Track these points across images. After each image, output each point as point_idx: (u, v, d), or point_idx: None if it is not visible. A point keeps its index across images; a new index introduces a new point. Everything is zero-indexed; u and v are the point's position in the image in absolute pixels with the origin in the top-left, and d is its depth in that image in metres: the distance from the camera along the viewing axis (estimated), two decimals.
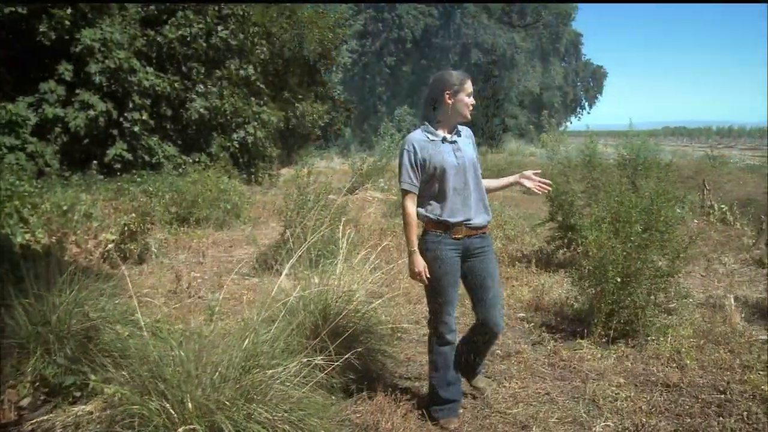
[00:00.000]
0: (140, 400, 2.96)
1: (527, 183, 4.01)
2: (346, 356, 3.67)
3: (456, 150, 3.72)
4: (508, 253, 8.37)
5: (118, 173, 13.11)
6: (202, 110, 15.22)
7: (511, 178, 4.14)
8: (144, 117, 13.56)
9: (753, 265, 8.06)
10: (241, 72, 16.51)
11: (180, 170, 14.42)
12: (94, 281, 4.76)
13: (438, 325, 3.78)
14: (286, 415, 2.97)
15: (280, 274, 4.52)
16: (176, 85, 14.67)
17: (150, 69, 14.09)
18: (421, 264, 3.65)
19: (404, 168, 3.69)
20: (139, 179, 12.17)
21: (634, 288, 5.09)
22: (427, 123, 3.78)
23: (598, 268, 5.17)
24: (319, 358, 3.36)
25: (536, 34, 35.96)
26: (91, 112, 12.96)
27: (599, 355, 4.86)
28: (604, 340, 5.17)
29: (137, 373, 3.15)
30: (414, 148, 3.68)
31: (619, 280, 5.08)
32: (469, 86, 3.71)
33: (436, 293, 3.74)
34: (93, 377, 3.55)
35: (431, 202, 3.72)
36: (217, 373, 3.03)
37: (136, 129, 13.48)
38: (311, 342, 3.81)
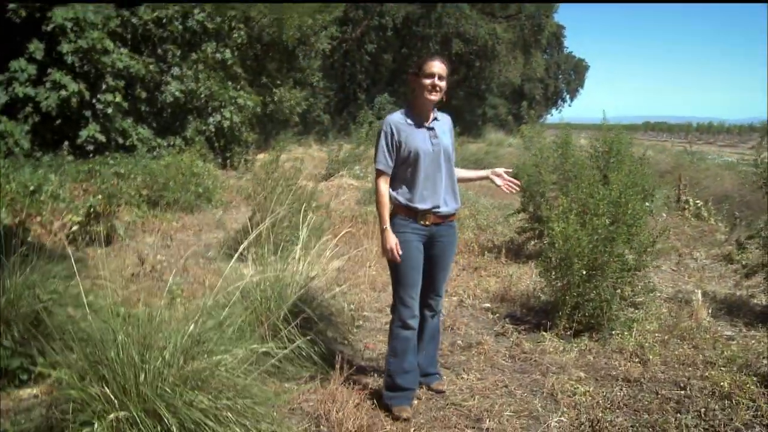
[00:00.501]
0: (80, 385, 2.87)
1: (497, 180, 4.04)
2: (296, 343, 3.59)
3: (432, 137, 3.74)
4: (479, 243, 8.32)
5: (91, 155, 12.87)
6: (177, 93, 15.00)
7: (482, 173, 4.24)
8: (117, 99, 13.29)
9: (724, 260, 8.07)
10: (218, 55, 16.27)
11: (154, 153, 14.23)
12: (54, 263, 4.64)
13: (400, 308, 3.75)
14: (229, 402, 2.88)
15: (245, 260, 4.46)
16: (151, 67, 14.43)
17: (124, 50, 13.83)
18: (392, 240, 3.63)
19: (380, 148, 3.71)
20: (111, 161, 11.96)
21: (600, 281, 5.05)
22: (407, 107, 3.83)
23: (564, 260, 5.12)
24: (266, 345, 3.27)
25: (518, 25, 35.76)
26: (63, 93, 12.70)
27: (561, 348, 4.81)
28: (568, 333, 5.14)
29: (82, 357, 3.05)
30: (392, 129, 3.69)
31: (584, 272, 5.04)
32: (429, 67, 3.67)
33: (398, 275, 3.73)
34: (40, 360, 3.48)
35: (402, 186, 3.73)
36: (160, 359, 2.94)
37: (110, 111, 13.22)
38: (264, 329, 3.74)
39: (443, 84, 3.71)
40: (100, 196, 7.80)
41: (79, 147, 13.01)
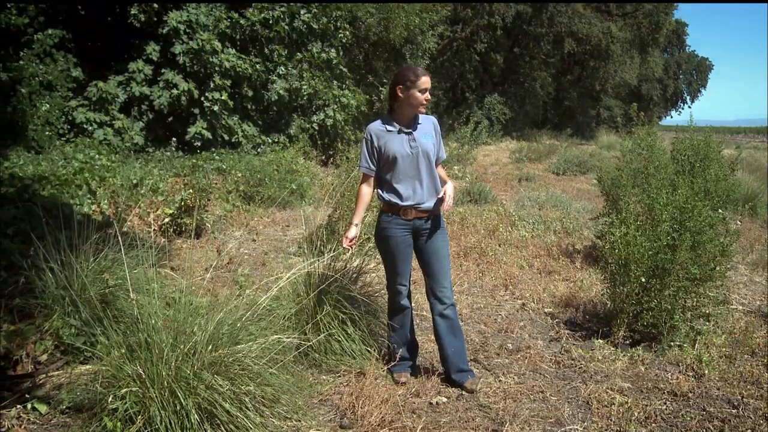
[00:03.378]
0: (117, 363, 3.12)
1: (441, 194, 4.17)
2: (320, 336, 3.72)
3: (411, 140, 4.04)
4: (560, 247, 8.19)
5: (198, 151, 13.59)
6: (282, 92, 15.53)
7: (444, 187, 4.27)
8: (224, 97, 13.95)
9: None
10: (323, 55, 16.72)
11: (259, 150, 14.82)
12: (135, 251, 4.98)
13: (391, 292, 4.25)
14: (249, 388, 3.06)
15: (322, 255, 4.67)
16: (258, 66, 15.01)
17: (232, 50, 14.48)
18: (350, 234, 4.10)
19: (362, 154, 4.12)
20: (216, 157, 12.56)
21: (660, 289, 4.89)
22: (387, 114, 4.15)
23: (624, 267, 4.99)
24: (292, 336, 3.43)
25: (635, 23, 34.42)
26: (175, 91, 13.49)
27: (612, 357, 4.69)
28: (626, 342, 5.01)
29: (122, 339, 3.32)
30: (371, 137, 4.07)
31: (643, 279, 4.90)
32: (423, 83, 3.95)
33: (387, 265, 4.20)
34: (102, 339, 3.78)
35: (386, 185, 4.10)
36: (190, 344, 3.15)
37: (216, 108, 13.90)
38: (304, 321, 3.89)
39: (429, 98, 4.08)
40: (191, 190, 8.22)
41: (188, 143, 13.76)
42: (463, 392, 4.02)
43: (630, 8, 34.58)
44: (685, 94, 57.64)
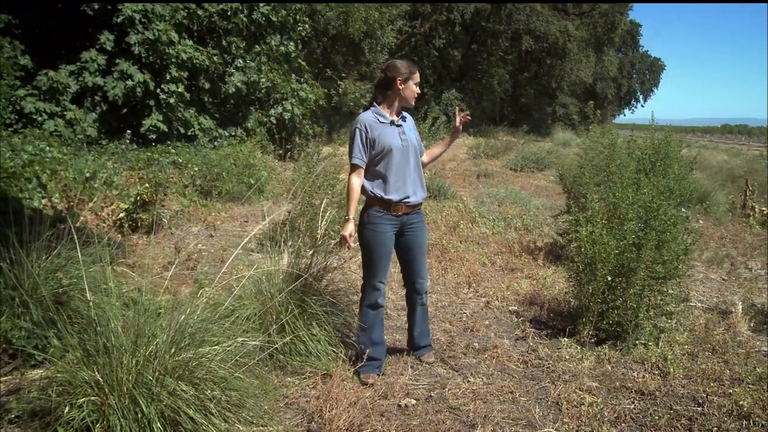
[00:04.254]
0: (71, 369, 2.96)
1: (457, 123, 4.34)
2: (287, 338, 3.61)
3: (401, 133, 4.11)
4: (521, 244, 8.19)
5: (153, 144, 13.26)
6: (239, 84, 15.28)
7: (447, 140, 4.54)
8: (180, 89, 13.65)
9: None
10: (282, 48, 16.50)
11: (215, 144, 14.54)
12: (89, 248, 4.78)
13: (369, 289, 4.18)
14: (213, 393, 2.93)
15: (282, 252, 4.54)
16: (215, 58, 14.73)
17: (189, 42, 14.17)
18: (349, 229, 4.01)
19: (356, 145, 4.03)
20: (172, 150, 12.27)
21: (626, 288, 4.89)
22: (376, 105, 4.16)
23: (590, 265, 4.98)
24: (259, 338, 3.30)
25: (591, 22, 34.90)
26: (129, 82, 13.12)
27: (579, 356, 4.67)
28: (592, 340, 5.00)
29: (77, 343, 3.15)
30: (365, 127, 4.03)
31: (609, 278, 4.89)
32: (417, 77, 4.10)
33: (370, 261, 4.15)
34: (54, 343, 3.59)
35: (377, 179, 4.08)
36: (151, 348, 3.01)
37: (172, 101, 13.59)
38: (270, 322, 3.77)
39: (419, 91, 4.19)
40: (147, 185, 7.99)
41: (143, 136, 13.41)
42: (433, 393, 3.95)
43: (586, 7, 35.01)
44: (638, 93, 58.83)
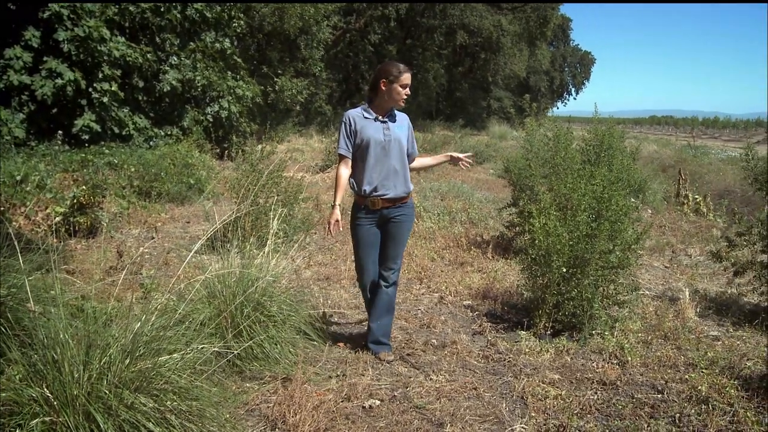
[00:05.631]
0: (16, 386, 2.76)
1: (455, 157, 4.64)
2: (248, 343, 3.47)
3: (385, 129, 4.30)
4: (468, 238, 8.19)
5: (86, 144, 12.76)
6: (174, 82, 14.85)
7: (440, 157, 4.85)
8: (114, 88, 13.16)
9: (715, 258, 7.91)
10: (217, 45, 16.14)
11: (151, 143, 14.11)
12: (26, 255, 4.52)
13: (360, 276, 4.53)
14: (174, 404, 2.78)
15: (228, 253, 4.39)
16: (149, 56, 14.26)
17: (121, 39, 13.70)
18: (335, 217, 4.25)
19: (341, 136, 4.30)
20: (107, 151, 11.84)
21: (581, 279, 4.92)
22: (366, 103, 4.36)
23: (544, 257, 4.99)
24: (219, 345, 3.16)
25: (524, 17, 35.39)
26: (59, 81, 12.56)
27: (538, 349, 4.67)
28: (548, 332, 5.01)
29: (21, 356, 2.94)
30: (350, 120, 4.29)
31: (564, 270, 4.90)
32: (405, 78, 4.22)
33: (356, 251, 4.48)
34: None
35: (357, 172, 4.31)
36: (105, 359, 2.83)
37: (105, 100, 13.10)
38: (225, 326, 3.62)
39: (409, 93, 4.34)
40: (84, 187, 7.67)
41: (75, 136, 12.90)
42: (396, 393, 3.87)
43: (519, 2, 35.47)
44: (571, 86, 60.15)
